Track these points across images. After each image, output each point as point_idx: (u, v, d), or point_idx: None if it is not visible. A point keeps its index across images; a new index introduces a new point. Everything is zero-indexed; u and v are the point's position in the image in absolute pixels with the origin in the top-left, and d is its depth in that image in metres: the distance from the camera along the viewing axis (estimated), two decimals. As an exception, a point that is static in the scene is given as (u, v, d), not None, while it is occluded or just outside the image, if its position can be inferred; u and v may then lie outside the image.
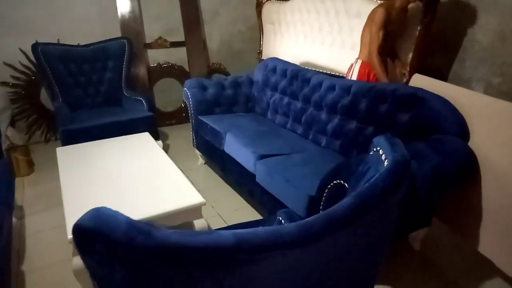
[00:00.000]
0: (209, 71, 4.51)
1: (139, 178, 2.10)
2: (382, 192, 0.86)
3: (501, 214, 1.77)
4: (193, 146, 3.37)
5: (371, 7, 2.63)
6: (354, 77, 2.63)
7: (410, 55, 2.69)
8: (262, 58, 4.21)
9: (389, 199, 0.90)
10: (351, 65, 2.73)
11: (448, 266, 2.11)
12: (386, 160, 0.96)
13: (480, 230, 1.88)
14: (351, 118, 2.42)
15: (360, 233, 0.91)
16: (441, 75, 3.14)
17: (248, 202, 2.74)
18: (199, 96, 3.15)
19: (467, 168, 1.77)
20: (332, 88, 2.59)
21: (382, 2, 2.66)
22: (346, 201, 0.85)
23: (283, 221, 1.50)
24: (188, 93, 3.16)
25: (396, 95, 2.11)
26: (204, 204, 1.91)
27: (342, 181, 1.60)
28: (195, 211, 1.91)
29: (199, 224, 1.93)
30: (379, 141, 1.09)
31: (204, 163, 3.42)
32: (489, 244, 1.86)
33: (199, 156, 3.38)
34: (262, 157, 2.30)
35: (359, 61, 2.65)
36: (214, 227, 2.47)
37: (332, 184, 1.66)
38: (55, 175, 2.24)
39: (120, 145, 2.57)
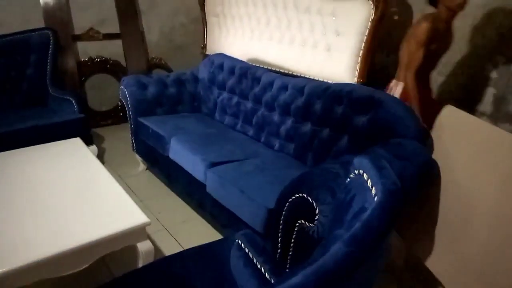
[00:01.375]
0: (148, 67, 4.17)
1: (68, 196, 1.80)
2: (379, 233, 0.71)
3: (450, 225, 1.72)
4: (133, 150, 3.06)
5: (320, 3, 2.52)
6: None
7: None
8: (207, 53, 3.97)
9: (387, 237, 0.76)
10: (389, 88, 2.33)
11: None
12: (374, 188, 0.82)
13: (427, 242, 1.82)
14: (305, 120, 2.30)
15: (354, 280, 0.76)
16: (388, 73, 3.14)
17: (198, 213, 2.52)
18: (139, 95, 2.85)
19: (428, 173, 1.72)
20: (284, 88, 2.45)
21: (426, 14, 2.22)
22: (339, 250, 0.69)
23: (242, 245, 1.32)
24: (126, 92, 2.84)
25: (352, 97, 2.02)
26: (149, 224, 1.66)
27: (305, 195, 1.46)
28: (138, 232, 1.66)
29: (143, 247, 1.67)
30: (362, 163, 0.94)
31: (146, 169, 3.12)
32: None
33: (140, 161, 3.08)
34: (213, 164, 2.10)
35: (400, 85, 2.24)
36: (160, 243, 2.23)
37: (293, 197, 1.51)
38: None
39: (45, 155, 2.21)
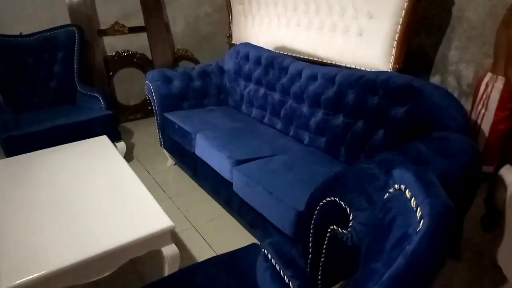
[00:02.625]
0: (174, 59, 4.11)
1: (92, 198, 1.76)
2: (428, 270, 0.58)
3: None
4: (161, 146, 3.02)
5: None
6: (493, 104, 1.85)
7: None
8: (233, 42, 3.85)
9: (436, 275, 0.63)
10: (481, 83, 1.94)
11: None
12: (419, 209, 0.68)
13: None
14: (337, 112, 2.15)
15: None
16: (427, 56, 2.90)
17: (226, 210, 2.45)
18: (164, 90, 2.79)
19: (476, 171, 1.54)
20: (313, 77, 2.30)
21: None
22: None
23: (269, 255, 1.22)
24: (151, 87, 2.79)
25: (388, 86, 1.85)
26: (174, 228, 1.60)
27: (337, 199, 1.33)
28: (163, 237, 1.60)
29: (168, 251, 1.62)
30: (403, 177, 0.81)
31: (175, 164, 3.08)
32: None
33: (168, 156, 3.04)
34: (239, 162, 2.01)
35: (500, 80, 1.83)
36: (188, 242, 2.18)
37: (325, 201, 1.39)
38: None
39: (70, 155, 2.19)
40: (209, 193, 2.62)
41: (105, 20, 3.67)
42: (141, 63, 3.96)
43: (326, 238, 1.44)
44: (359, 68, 2.57)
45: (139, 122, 4.06)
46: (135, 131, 3.80)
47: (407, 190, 0.76)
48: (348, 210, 1.28)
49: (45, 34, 3.08)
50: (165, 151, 3.03)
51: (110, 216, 1.63)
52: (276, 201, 1.68)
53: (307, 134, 2.33)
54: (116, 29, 3.73)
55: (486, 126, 1.93)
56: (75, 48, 3.11)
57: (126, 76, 3.95)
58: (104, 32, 3.66)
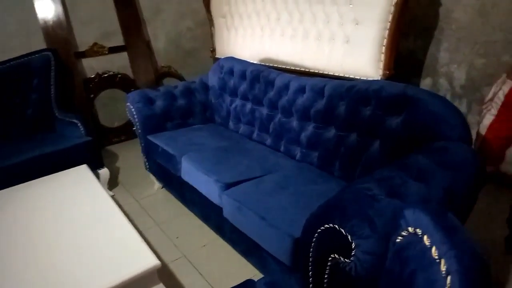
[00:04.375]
0: (158, 76, 3.98)
1: (70, 238, 1.61)
2: None
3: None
4: (146, 169, 2.88)
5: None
6: (499, 101, 1.93)
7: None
8: (217, 56, 3.75)
9: None
10: (496, 84, 1.96)
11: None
12: (443, 262, 0.56)
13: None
14: (328, 125, 2.03)
15: None
16: (417, 59, 2.82)
17: (218, 234, 2.30)
18: (146, 111, 2.66)
19: (481, 181, 1.43)
20: (301, 90, 2.19)
21: None
22: None
23: (265, 296, 1.09)
24: (132, 109, 2.66)
25: (381, 96, 1.74)
26: (159, 266, 1.46)
27: (336, 226, 1.20)
28: (149, 277, 1.46)
29: (155, 292, 1.48)
30: (419, 220, 0.67)
31: (162, 187, 2.94)
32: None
33: (154, 180, 2.90)
34: (228, 186, 1.87)
35: (509, 83, 1.87)
36: (178, 273, 2.03)
37: (323, 228, 1.27)
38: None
39: (48, 189, 2.04)
40: (199, 218, 2.48)
41: (83, 41, 3.54)
42: (123, 83, 3.83)
43: (327, 267, 1.31)
44: (348, 76, 2.49)
45: (124, 144, 3.91)
46: (120, 154, 3.65)
47: (425, 237, 0.63)
48: (349, 237, 1.16)
49: (19, 60, 2.93)
50: (151, 175, 2.88)
51: (90, 258, 1.49)
52: (270, 227, 1.55)
53: (298, 149, 2.21)
54: (96, 50, 3.60)
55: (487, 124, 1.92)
56: (51, 74, 2.97)
57: (108, 98, 3.81)
58: (82, 54, 3.53)
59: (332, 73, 2.60)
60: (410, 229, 0.68)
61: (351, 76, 2.48)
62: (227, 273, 2.02)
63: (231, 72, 2.77)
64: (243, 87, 2.63)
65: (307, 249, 1.38)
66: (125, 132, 3.95)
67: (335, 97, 1.96)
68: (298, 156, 2.20)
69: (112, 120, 3.90)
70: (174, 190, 2.53)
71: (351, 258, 1.18)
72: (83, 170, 2.26)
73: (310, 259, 1.38)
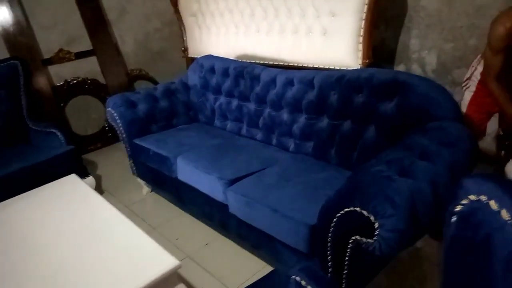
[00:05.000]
0: (129, 80, 3.88)
1: (80, 250, 1.56)
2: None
3: None
4: (133, 174, 2.82)
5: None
6: (476, 79, 2.04)
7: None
8: (190, 56, 3.71)
9: None
10: (472, 65, 2.07)
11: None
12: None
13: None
14: (320, 115, 2.10)
15: None
16: (388, 48, 2.96)
17: (220, 232, 2.31)
18: (129, 115, 2.59)
19: (476, 156, 1.55)
20: (289, 83, 2.24)
21: (502, 12, 1.81)
22: None
23: (303, 282, 1.13)
24: (114, 114, 2.59)
25: (372, 83, 1.83)
26: (180, 267, 1.45)
27: (357, 209, 1.26)
28: (169, 279, 1.45)
29: (178, 293, 1.47)
30: (481, 188, 0.73)
31: (151, 191, 2.89)
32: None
33: (143, 184, 2.84)
34: (232, 182, 1.89)
35: (481, 64, 1.96)
36: (187, 274, 2.02)
37: (342, 212, 1.32)
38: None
39: (41, 202, 1.95)
40: (197, 218, 2.47)
41: (47, 48, 3.38)
42: (94, 88, 3.69)
43: (348, 250, 1.37)
44: (328, 67, 2.57)
45: (101, 152, 3.79)
46: (99, 162, 3.54)
47: (492, 202, 0.69)
48: (372, 218, 1.22)
49: (-18, 72, 2.76)
50: (139, 180, 2.83)
51: (106, 267, 1.45)
52: (283, 218, 1.59)
53: (291, 141, 2.26)
54: (62, 57, 3.45)
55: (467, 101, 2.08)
56: (20, 83, 2.81)
57: (79, 105, 3.66)
58: (49, 61, 3.37)
59: (311, 65, 2.67)
60: (472, 197, 0.74)
61: (331, 67, 2.56)
62: (235, 268, 2.04)
63: (212, 70, 2.77)
64: (227, 84, 2.64)
65: (324, 234, 1.43)
66: (100, 139, 3.82)
67: (326, 87, 2.03)
68: (291, 147, 2.25)
69: (85, 127, 3.76)
70: (168, 192, 2.49)
71: (374, 238, 1.24)
72: (73, 179, 2.17)
73: (329, 244, 1.44)
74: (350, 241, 1.35)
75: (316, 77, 2.09)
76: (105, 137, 3.85)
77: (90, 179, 2.73)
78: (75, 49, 3.51)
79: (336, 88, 1.97)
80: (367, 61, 2.46)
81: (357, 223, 1.29)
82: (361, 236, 1.30)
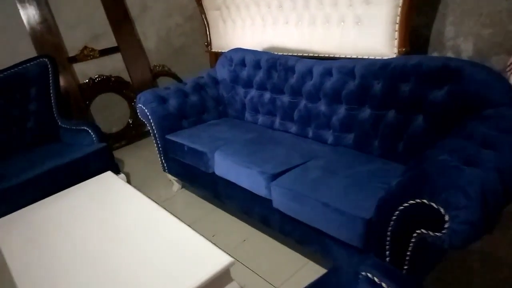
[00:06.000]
0: (152, 76, 3.85)
1: (131, 248, 1.53)
2: None
3: None
4: (164, 171, 2.79)
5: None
6: None
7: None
8: (213, 50, 3.67)
9: None
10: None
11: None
12: None
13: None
14: (362, 105, 2.04)
15: None
16: (422, 36, 2.87)
17: (257, 228, 2.27)
18: (161, 111, 2.56)
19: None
20: (327, 73, 2.18)
21: None
22: None
23: (375, 278, 1.07)
24: (146, 110, 2.55)
25: (421, 71, 1.76)
26: (233, 264, 1.41)
27: (425, 201, 1.20)
28: (223, 276, 1.41)
29: (231, 290, 1.44)
30: None
31: (181, 188, 2.86)
32: None
33: (174, 181, 2.81)
34: (275, 176, 1.84)
35: None
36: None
37: (407, 204, 1.26)
38: None
39: (81, 199, 1.94)
40: (232, 213, 2.43)
41: (72, 46, 3.37)
42: (118, 86, 3.68)
43: (411, 244, 1.32)
44: (362, 57, 2.49)
45: (126, 149, 3.78)
46: (125, 160, 3.52)
47: None
48: (442, 210, 1.16)
49: (12, 71, 2.75)
50: (169, 176, 2.80)
51: (158, 265, 1.42)
52: (335, 212, 1.54)
53: (330, 133, 2.20)
54: (86, 54, 3.43)
55: None
56: (50, 81, 2.80)
57: (103, 103, 3.66)
58: (74, 59, 3.36)
59: (343, 56, 2.60)
60: None
61: (364, 57, 2.49)
62: (277, 265, 2.00)
63: (242, 63, 2.71)
64: (259, 77, 2.58)
65: (383, 229, 1.38)
66: (124, 137, 3.81)
67: (369, 76, 1.96)
68: (330, 140, 2.20)
69: (110, 125, 3.75)
70: (203, 188, 2.45)
71: (443, 231, 1.18)
72: (110, 176, 2.15)
73: (388, 238, 1.38)
74: (414, 235, 1.29)
75: (357, 66, 2.02)
76: (130, 134, 3.84)
77: (122, 176, 2.71)
78: (99, 46, 3.50)
79: (380, 76, 1.91)
80: (404, 49, 2.38)
81: (423, 216, 1.23)
82: (427, 230, 1.24)
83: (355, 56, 2.53)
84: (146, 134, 3.92)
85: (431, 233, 1.23)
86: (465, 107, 1.64)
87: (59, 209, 1.86)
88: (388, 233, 1.37)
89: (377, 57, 2.40)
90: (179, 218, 2.49)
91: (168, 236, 1.57)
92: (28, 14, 2.99)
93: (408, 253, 1.35)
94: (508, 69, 2.13)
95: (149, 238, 1.57)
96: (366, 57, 2.48)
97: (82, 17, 3.37)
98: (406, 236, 1.32)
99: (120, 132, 3.78)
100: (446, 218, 1.16)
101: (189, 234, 1.56)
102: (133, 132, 3.84)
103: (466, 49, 2.69)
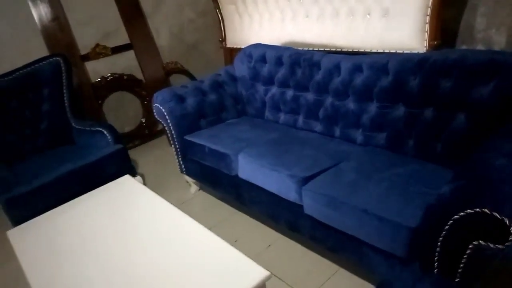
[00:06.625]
0: (165, 74, 3.75)
1: (154, 258, 1.43)
2: None
3: None
4: (182, 172, 2.69)
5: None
6: None
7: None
8: (228, 46, 3.55)
9: None
10: None
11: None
12: None
13: None
14: (395, 102, 1.91)
15: None
16: (449, 29, 2.73)
17: (282, 233, 2.16)
18: (179, 110, 2.46)
19: None
20: (357, 69, 2.05)
21: None
22: None
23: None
24: (163, 110, 2.45)
25: (465, 66, 1.63)
26: (270, 277, 1.31)
27: (487, 210, 1.09)
28: (258, 291, 1.31)
29: (266, 306, 1.33)
30: None
31: (199, 189, 2.76)
32: None
33: (192, 183, 2.71)
34: (306, 180, 1.73)
35: None
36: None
37: (463, 213, 1.15)
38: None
39: (99, 207, 1.84)
40: (253, 217, 2.33)
41: (84, 44, 3.27)
42: (130, 84, 3.59)
43: (465, 256, 1.20)
44: (389, 51, 2.37)
45: (139, 149, 3.69)
46: (139, 160, 3.43)
47: None
48: (507, 221, 1.04)
49: (25, 70, 2.66)
50: (187, 177, 2.70)
51: (187, 278, 1.32)
52: (376, 220, 1.42)
53: (359, 133, 2.08)
54: (98, 52, 3.34)
55: None
56: (63, 81, 2.71)
57: (116, 102, 3.57)
58: (86, 57, 3.26)
59: (369, 50, 2.47)
60: None
61: (392, 51, 2.36)
62: (305, 272, 1.89)
63: (263, 59, 2.60)
64: (281, 73, 2.46)
65: (433, 238, 1.26)
66: (138, 137, 3.72)
67: (404, 72, 1.84)
68: (359, 139, 2.08)
69: (122, 125, 3.65)
70: (224, 191, 2.35)
71: (507, 244, 1.07)
72: (128, 180, 2.06)
73: (438, 249, 1.27)
74: (470, 246, 1.18)
75: (391, 62, 1.90)
76: (143, 134, 3.75)
77: (138, 179, 2.62)
78: (111, 44, 3.40)
79: (418, 72, 1.78)
80: (435, 42, 2.25)
81: (483, 226, 1.11)
82: (486, 241, 1.13)
83: (381, 50, 2.40)
84: (160, 133, 3.84)
85: (491, 245, 1.12)
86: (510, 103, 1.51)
87: (78, 216, 1.77)
88: (439, 243, 1.26)
89: (405, 51, 2.27)
90: (198, 221, 2.42)
91: (198, 246, 1.47)
92: (40, 12, 2.90)
93: (462, 265, 1.23)
94: None
95: (178, 247, 1.47)
96: (394, 51, 2.35)
97: (93, 14, 3.27)
98: (461, 247, 1.20)
99: (133, 132, 3.69)
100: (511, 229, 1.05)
101: (220, 244, 1.45)
102: (146, 132, 3.75)
103: (498, 41, 2.55)
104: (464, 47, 2.72)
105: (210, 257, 1.40)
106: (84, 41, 3.28)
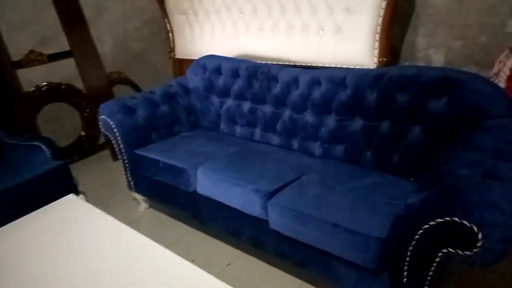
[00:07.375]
0: (108, 84, 3.52)
1: (114, 284, 1.28)
2: None
3: None
4: (131, 190, 2.51)
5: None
6: (504, 75, 1.90)
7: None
8: (177, 57, 3.45)
9: None
10: (497, 60, 1.97)
11: None
12: None
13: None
14: (353, 116, 1.96)
15: None
16: (393, 46, 2.90)
17: (241, 250, 2.09)
18: (128, 123, 2.30)
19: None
20: (316, 83, 2.08)
21: None
22: None
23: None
24: (111, 123, 2.27)
25: (420, 81, 1.71)
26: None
27: (457, 219, 1.12)
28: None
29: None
30: None
31: (149, 207, 2.59)
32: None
33: (140, 200, 2.54)
34: (271, 194, 1.68)
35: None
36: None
37: (433, 223, 1.17)
38: None
39: (45, 230, 1.62)
40: (210, 234, 2.23)
41: (16, 50, 2.96)
42: (69, 94, 3.31)
43: (434, 263, 1.23)
44: (341, 66, 2.44)
45: (78, 165, 3.39)
46: (78, 177, 3.12)
47: None
48: (475, 229, 1.08)
49: None
50: (136, 195, 2.52)
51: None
52: (346, 233, 1.42)
53: (317, 145, 2.10)
54: (33, 59, 3.04)
55: None
56: (-9, 89, 2.41)
57: (51, 114, 3.26)
58: (18, 64, 2.95)
59: (322, 65, 2.54)
60: None
61: (343, 66, 2.44)
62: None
63: (217, 71, 2.54)
64: (238, 86, 2.42)
65: (402, 248, 1.28)
66: (76, 151, 3.43)
67: (362, 86, 1.89)
68: (318, 152, 2.09)
69: (59, 138, 3.33)
70: (181, 208, 2.21)
71: (475, 250, 1.11)
72: (73, 200, 1.85)
73: (408, 258, 1.29)
74: (439, 254, 1.21)
75: (349, 76, 1.94)
76: (82, 148, 3.47)
77: (81, 197, 2.38)
78: (49, 50, 3.12)
79: (375, 86, 1.84)
80: (384, 59, 2.37)
81: (453, 234, 1.15)
82: (455, 249, 1.16)
83: (333, 65, 2.47)
84: (101, 147, 3.58)
85: (460, 252, 1.15)
86: (464, 118, 1.61)
87: (19, 241, 1.54)
88: (409, 252, 1.28)
89: (357, 67, 2.36)
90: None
91: (156, 267, 1.35)
92: (-37, 11, 2.57)
93: (431, 273, 1.26)
94: (491, 80, 2.18)
95: (133, 269, 1.33)
96: (345, 66, 2.43)
97: (29, 18, 2.99)
98: (430, 255, 1.23)
99: (71, 146, 3.40)
100: (480, 236, 1.09)
101: (185, 266, 1.34)
102: (86, 146, 3.48)
103: (437, 60, 2.75)
104: (407, 64, 2.90)
105: (170, 277, 1.29)
106: (17, 47, 2.97)
